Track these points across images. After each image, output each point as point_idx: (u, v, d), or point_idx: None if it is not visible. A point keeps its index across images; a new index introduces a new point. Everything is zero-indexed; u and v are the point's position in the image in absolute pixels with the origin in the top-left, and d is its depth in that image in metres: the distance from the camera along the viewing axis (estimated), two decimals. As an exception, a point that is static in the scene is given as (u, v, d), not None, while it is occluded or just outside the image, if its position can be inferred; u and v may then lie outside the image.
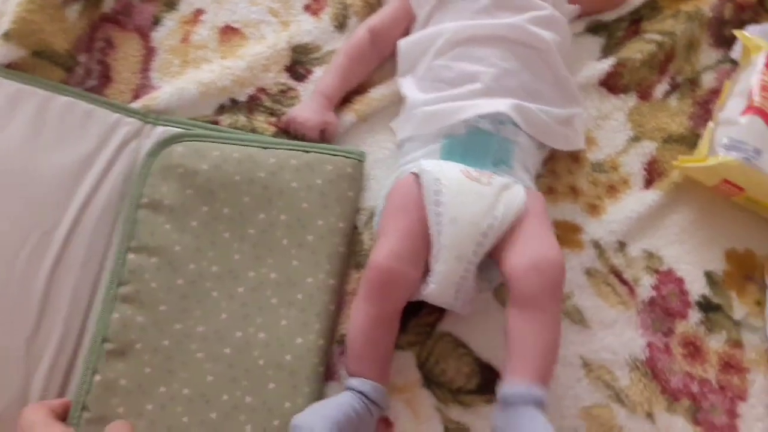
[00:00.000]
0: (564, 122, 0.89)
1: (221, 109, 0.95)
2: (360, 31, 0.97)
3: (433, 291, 0.78)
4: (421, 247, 0.79)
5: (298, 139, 0.93)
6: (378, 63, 0.97)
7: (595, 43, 1.00)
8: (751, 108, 0.87)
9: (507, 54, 0.86)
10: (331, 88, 0.95)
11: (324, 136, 0.93)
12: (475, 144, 0.84)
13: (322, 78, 0.96)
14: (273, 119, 0.95)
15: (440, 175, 0.80)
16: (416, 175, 0.82)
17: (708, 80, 0.99)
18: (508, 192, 0.80)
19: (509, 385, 0.72)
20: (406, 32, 0.96)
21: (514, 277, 0.75)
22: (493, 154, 0.83)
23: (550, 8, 0.90)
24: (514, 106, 0.83)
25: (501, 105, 0.83)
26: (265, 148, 0.89)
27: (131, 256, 0.84)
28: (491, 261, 0.80)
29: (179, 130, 0.91)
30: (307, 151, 0.89)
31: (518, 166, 0.84)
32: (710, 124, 0.92)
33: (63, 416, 0.78)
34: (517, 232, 0.78)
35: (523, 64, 0.86)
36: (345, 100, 0.96)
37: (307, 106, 0.94)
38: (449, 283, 0.78)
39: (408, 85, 0.92)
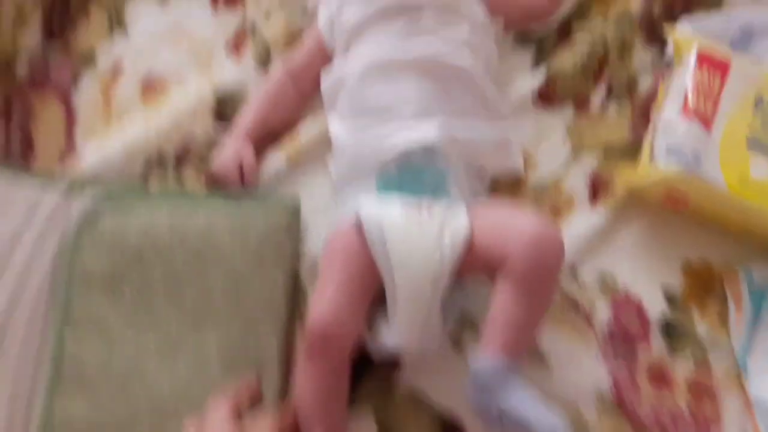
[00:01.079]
0: (497, 143, 0.86)
1: (149, 168, 0.92)
2: (276, 69, 0.94)
3: (396, 342, 0.76)
4: (361, 298, 0.77)
5: (224, 188, 0.90)
6: (299, 102, 0.94)
7: (525, 54, 0.96)
8: (686, 111, 0.83)
9: (426, 80, 0.83)
10: (246, 122, 0.91)
11: (243, 174, 0.89)
12: (409, 178, 0.81)
13: (238, 118, 0.93)
14: (204, 171, 0.92)
15: (382, 216, 0.77)
16: (354, 221, 0.79)
17: (645, 82, 0.94)
18: (449, 214, 0.78)
19: (476, 362, 0.73)
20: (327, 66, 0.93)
21: (513, 256, 0.73)
22: (429, 184, 0.81)
23: (468, 28, 0.86)
24: (441, 133, 0.80)
25: (427, 134, 0.80)
26: (195, 207, 0.86)
27: (68, 335, 0.81)
28: (451, 295, 0.78)
29: (106, 195, 0.87)
30: (239, 205, 0.86)
31: (456, 191, 0.82)
32: (648, 130, 0.87)
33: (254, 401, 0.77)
34: (493, 221, 0.77)
35: (445, 89, 0.83)
36: (275, 143, 0.93)
37: (222, 147, 0.91)
38: (412, 329, 0.76)
39: (333, 122, 0.89)
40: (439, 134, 0.80)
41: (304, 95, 0.94)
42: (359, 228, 0.78)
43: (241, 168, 0.88)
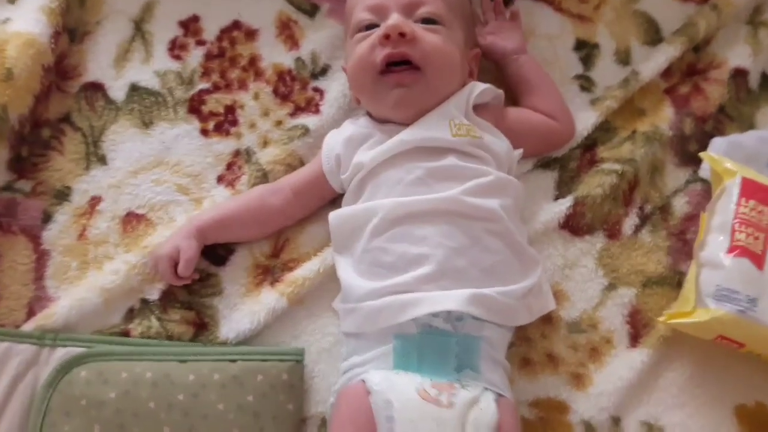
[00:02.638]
0: (524, 295, 0.77)
1: (131, 314, 0.83)
2: (268, 184, 0.88)
3: None
4: None
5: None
6: (281, 221, 0.87)
7: (548, 178, 0.89)
8: (735, 248, 0.75)
9: (451, 230, 0.75)
10: (203, 217, 0.85)
11: (176, 267, 0.81)
12: (432, 347, 0.73)
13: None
14: (191, 314, 0.83)
15: (392, 396, 0.69)
16: (365, 383, 0.71)
17: (680, 205, 0.88)
18: (475, 410, 0.69)
19: None
20: (322, 198, 0.87)
21: None
22: (454, 357, 0.72)
23: (494, 172, 0.79)
24: (470, 298, 0.71)
25: (454, 301, 0.71)
26: (183, 361, 0.78)
27: None
28: None
29: (82, 349, 0.79)
30: (233, 360, 0.78)
31: (487, 366, 0.73)
32: (692, 265, 0.79)
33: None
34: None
35: (471, 239, 0.75)
36: (273, 281, 0.85)
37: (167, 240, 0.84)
38: None
39: (345, 267, 0.80)
40: (468, 298, 0.72)
41: (287, 215, 0.87)
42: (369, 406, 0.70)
43: (175, 263, 0.81)
